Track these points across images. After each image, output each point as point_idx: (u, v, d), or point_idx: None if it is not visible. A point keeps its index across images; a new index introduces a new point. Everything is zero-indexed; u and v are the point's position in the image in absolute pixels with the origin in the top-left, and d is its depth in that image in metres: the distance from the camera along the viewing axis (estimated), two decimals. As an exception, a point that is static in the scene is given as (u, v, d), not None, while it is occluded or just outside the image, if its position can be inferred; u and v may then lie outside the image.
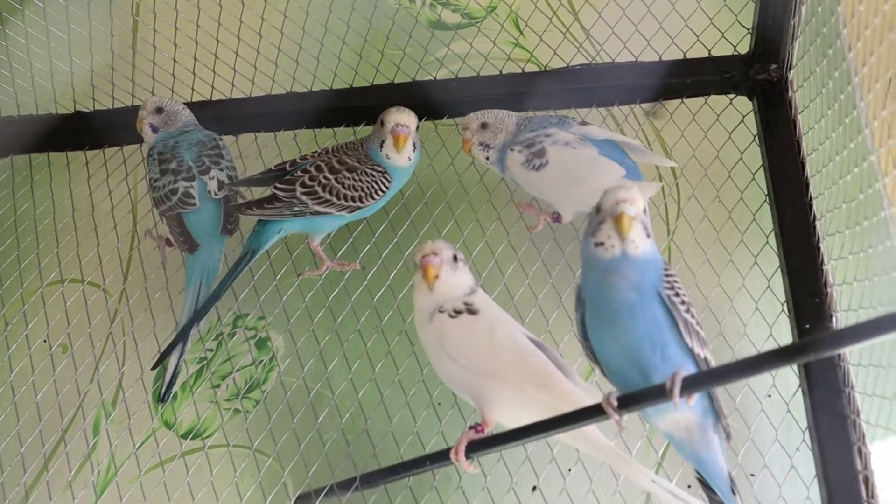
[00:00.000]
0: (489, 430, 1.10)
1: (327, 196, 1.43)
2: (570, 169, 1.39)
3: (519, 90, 1.61)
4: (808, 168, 1.41)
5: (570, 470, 1.29)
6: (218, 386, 1.51)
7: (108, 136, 1.74)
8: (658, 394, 0.93)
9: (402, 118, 1.43)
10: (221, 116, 1.69)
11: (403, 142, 1.43)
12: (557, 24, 1.68)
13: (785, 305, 1.34)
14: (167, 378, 1.45)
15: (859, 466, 1.16)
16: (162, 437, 1.46)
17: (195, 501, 1.36)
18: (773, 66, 1.50)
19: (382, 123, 1.44)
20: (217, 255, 1.49)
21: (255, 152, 1.70)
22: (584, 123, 1.45)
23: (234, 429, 1.45)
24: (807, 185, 1.39)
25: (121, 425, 1.48)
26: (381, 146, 1.44)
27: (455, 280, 1.16)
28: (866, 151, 1.24)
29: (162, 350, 1.44)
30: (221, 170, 1.51)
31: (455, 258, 1.17)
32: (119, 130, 1.70)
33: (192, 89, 1.72)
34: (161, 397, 1.46)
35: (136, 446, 1.45)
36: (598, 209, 1.02)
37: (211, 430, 1.47)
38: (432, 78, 1.67)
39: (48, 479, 1.44)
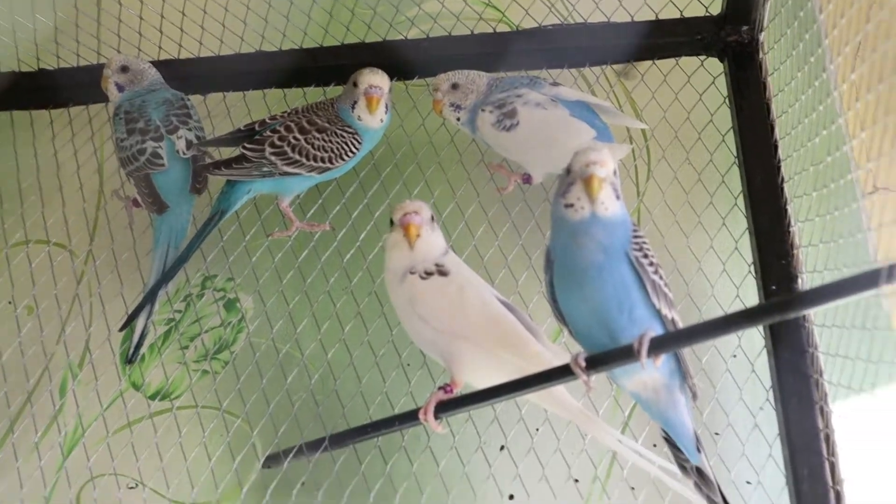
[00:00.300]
0: (458, 391, 1.11)
1: (297, 157, 1.41)
2: (541, 130, 1.39)
3: (490, 50, 1.60)
4: (777, 130, 1.41)
5: (537, 430, 1.30)
6: (186, 347, 1.50)
7: (73, 94, 1.71)
8: (626, 355, 0.93)
9: (376, 79, 1.42)
10: (189, 75, 1.67)
11: (376, 103, 1.41)
12: (529, -16, 1.66)
13: (752, 267, 1.35)
14: (135, 339, 1.44)
15: (821, 425, 1.18)
16: (130, 398, 1.46)
17: (163, 462, 1.36)
18: (745, 28, 1.50)
19: (355, 84, 1.42)
20: (185, 215, 1.47)
21: (223, 112, 1.68)
22: (555, 84, 1.44)
23: (202, 390, 1.44)
24: (775, 148, 1.40)
25: (88, 387, 1.46)
26: (353, 107, 1.43)
27: (432, 241, 1.16)
28: (834, 114, 1.24)
29: (130, 311, 1.43)
30: (190, 129, 1.49)
31: (432, 218, 1.17)
32: (84, 89, 1.67)
33: (160, 47, 1.69)
34: (129, 358, 1.45)
35: (104, 407, 1.44)
36: (568, 171, 1.01)
37: (179, 392, 1.46)
38: (403, 37, 1.66)
39: (14, 441, 1.43)
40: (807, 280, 1.28)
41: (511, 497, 1.31)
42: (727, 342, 1.31)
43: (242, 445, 1.36)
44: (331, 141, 1.42)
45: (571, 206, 0.99)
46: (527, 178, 1.45)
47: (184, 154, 1.47)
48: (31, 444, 1.42)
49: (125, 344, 1.49)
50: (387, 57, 1.62)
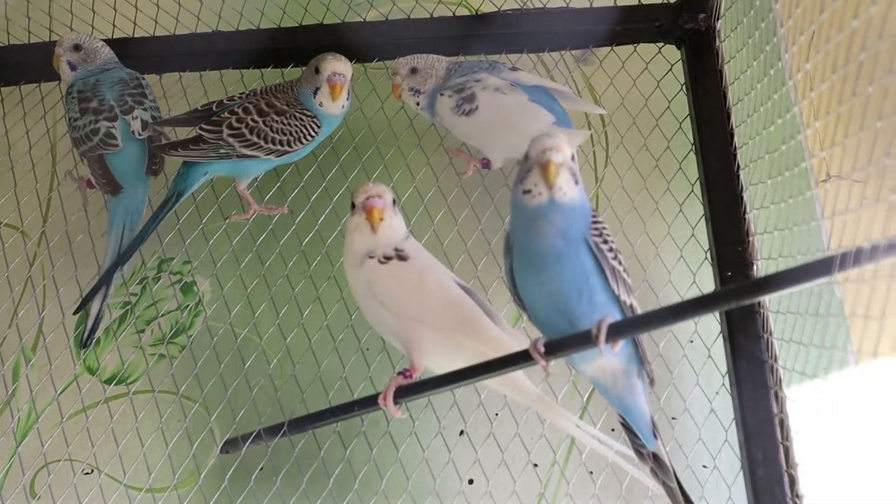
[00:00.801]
0: (417, 376, 1.11)
1: (255, 139, 1.40)
2: (500, 115, 1.39)
3: (450, 34, 1.60)
4: (733, 118, 1.43)
5: (496, 415, 1.31)
6: (142, 331, 1.49)
7: (24, 72, 1.68)
8: (584, 340, 0.94)
9: (340, 67, 1.40)
10: (144, 55, 1.64)
11: (339, 91, 1.40)
12: (490, -32, 1.66)
13: (708, 253, 1.37)
14: (90, 323, 1.42)
15: (775, 410, 1.20)
16: (85, 382, 1.44)
17: (120, 448, 1.35)
18: (702, 16, 1.51)
19: (317, 70, 1.40)
20: (141, 197, 1.46)
21: (179, 93, 1.65)
22: (514, 69, 1.44)
23: (159, 374, 1.43)
24: (732, 135, 1.42)
25: (41, 371, 1.44)
26: (315, 93, 1.41)
27: (394, 225, 1.15)
28: (789, 103, 1.26)
29: (84, 294, 1.41)
30: (145, 110, 1.47)
31: (394, 202, 1.16)
32: (36, 67, 1.64)
33: (114, 25, 1.66)
34: (83, 342, 1.43)
35: (58, 392, 1.43)
36: (526, 157, 1.02)
37: (136, 376, 1.45)
38: (362, 20, 1.65)
39: (-34, 426, 1.41)
40: (762, 267, 1.30)
41: (471, 482, 1.32)
42: (684, 328, 1.33)
43: (200, 430, 1.35)
44: (290, 124, 1.41)
45: (529, 192, 0.99)
46: (486, 163, 1.45)
47: (139, 135, 1.45)
48: (-17, 430, 1.40)
49: (80, 328, 1.47)
50: (345, 39, 1.61)
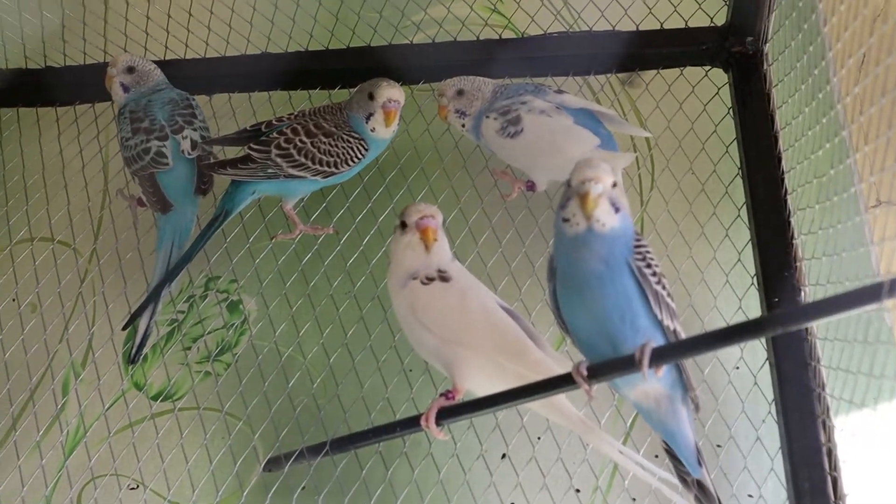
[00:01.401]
0: (459, 398, 1.11)
1: (302, 160, 1.42)
2: (545, 137, 1.39)
3: (496, 56, 1.60)
4: (780, 142, 1.42)
5: (539, 438, 1.30)
6: (189, 348, 1.51)
7: (79, 92, 1.72)
8: (627, 364, 0.93)
9: (395, 94, 1.41)
10: (195, 76, 1.67)
11: (393, 117, 1.42)
12: (536, -9, 1.67)
13: (755, 279, 1.35)
14: (138, 339, 1.44)
15: (823, 439, 1.18)
16: (132, 398, 1.46)
17: (164, 463, 1.37)
18: (749, 39, 1.50)
19: (371, 97, 1.41)
20: (190, 215, 1.48)
21: (228, 113, 1.68)
22: (559, 92, 1.44)
23: (204, 391, 1.45)
24: (779, 160, 1.40)
25: (90, 386, 1.47)
26: (368, 119, 1.42)
27: (445, 245, 1.16)
28: (838, 127, 1.25)
29: (133, 311, 1.43)
30: (195, 129, 1.49)
31: (444, 223, 1.17)
32: (90, 87, 1.67)
33: (166, 47, 1.70)
34: (131, 358, 1.45)
35: (106, 407, 1.45)
36: (568, 183, 1.02)
37: (181, 393, 1.47)
38: (409, 42, 1.66)
39: (16, 440, 1.43)
40: (809, 293, 1.29)
41: (512, 505, 1.31)
42: (730, 354, 1.32)
43: (244, 448, 1.36)
44: (337, 146, 1.42)
45: (568, 220, 0.99)
46: (531, 186, 1.45)
47: (189, 154, 1.47)
48: (33, 443, 1.43)
49: (128, 344, 1.50)
50: (392, 62, 1.62)
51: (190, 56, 1.69)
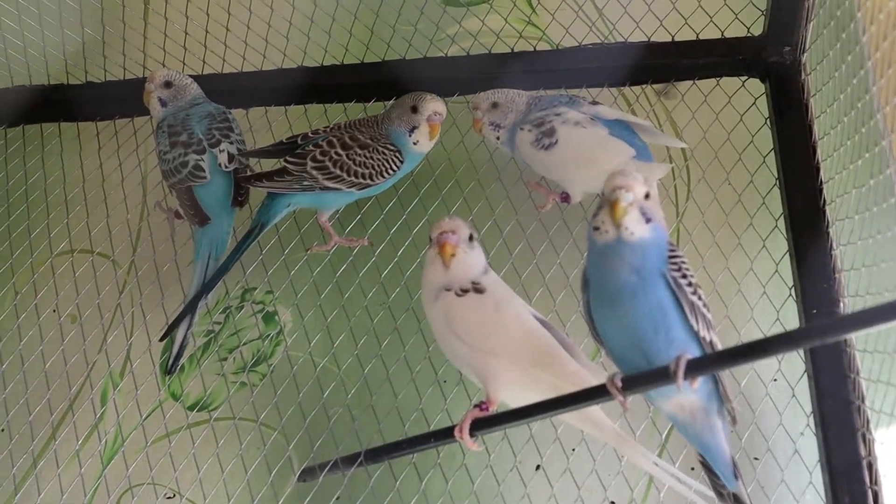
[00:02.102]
0: (494, 409, 1.11)
1: (338, 172, 1.42)
2: (580, 149, 1.39)
3: (531, 68, 1.61)
4: (819, 152, 1.40)
5: (573, 450, 1.30)
6: (225, 359, 1.52)
7: (118, 107, 1.74)
8: (662, 376, 0.93)
9: (439, 107, 1.44)
10: (232, 90, 1.69)
11: (437, 131, 1.44)
12: (570, 3, 1.66)
13: (792, 290, 1.34)
14: (175, 350, 1.46)
15: (863, 452, 1.16)
16: (168, 408, 1.48)
17: (200, 473, 1.38)
18: (787, 49, 1.49)
19: (416, 110, 1.43)
20: (226, 228, 1.49)
21: (265, 126, 1.70)
22: (594, 103, 1.44)
23: (240, 402, 1.46)
24: (817, 170, 1.39)
25: (128, 396, 1.49)
26: (412, 132, 1.44)
27: (470, 260, 1.14)
28: (878, 136, 1.23)
29: (170, 322, 1.45)
30: (231, 143, 1.50)
31: (471, 238, 1.16)
32: (130, 102, 1.68)
33: (203, 62, 1.71)
34: (168, 369, 1.47)
35: (143, 417, 1.46)
36: (602, 192, 1.01)
37: (217, 403, 1.48)
38: (443, 55, 1.67)
39: (56, 448, 1.46)
40: (848, 304, 1.27)
41: (546, 517, 1.31)
42: (767, 366, 1.30)
43: (278, 458, 1.37)
44: (372, 158, 1.43)
45: (598, 229, 0.98)
46: (565, 197, 1.45)
47: (226, 167, 1.48)
48: (73, 452, 1.45)
49: (165, 354, 1.51)
50: (427, 74, 1.63)
51: (227, 70, 1.71)
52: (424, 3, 1.72)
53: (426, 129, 1.44)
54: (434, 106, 1.43)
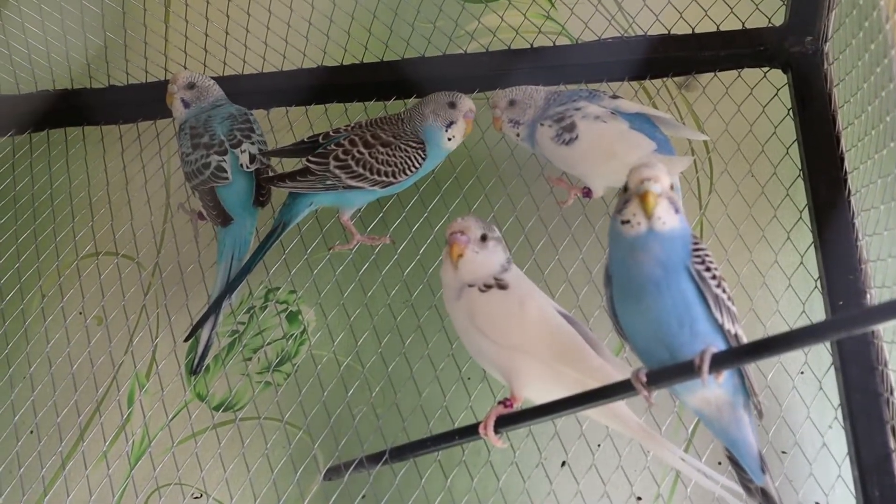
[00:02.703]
0: (518, 405, 1.10)
1: (360, 170, 1.43)
2: (600, 143, 1.38)
3: (550, 63, 1.60)
4: (843, 142, 1.39)
5: (599, 446, 1.29)
6: (249, 359, 1.53)
7: (141, 110, 1.76)
8: (687, 370, 0.92)
9: (473, 105, 1.48)
10: (252, 91, 1.70)
11: (471, 128, 1.48)
12: (590, -3, 1.66)
13: (818, 282, 1.33)
14: (200, 350, 1.47)
15: (892, 444, 1.15)
16: (194, 408, 1.49)
17: (227, 472, 1.38)
18: (809, 39, 1.48)
19: (453, 105, 1.46)
20: (249, 228, 1.50)
21: (285, 126, 1.70)
22: (614, 97, 1.44)
23: (265, 401, 1.46)
24: (842, 160, 1.38)
25: (154, 397, 1.50)
26: (449, 126, 1.46)
27: (482, 259, 1.13)
28: (903, 126, 1.22)
29: (195, 322, 1.46)
30: (253, 143, 1.51)
31: (484, 237, 1.15)
32: (152, 104, 1.70)
33: (224, 63, 1.72)
34: (194, 369, 1.48)
35: (169, 418, 1.47)
36: (625, 188, 1.01)
37: (242, 403, 1.49)
38: (463, 52, 1.67)
39: (84, 450, 1.47)
40: (875, 295, 1.26)
41: (572, 513, 1.30)
42: (793, 359, 1.29)
43: (304, 457, 1.37)
44: (395, 155, 1.43)
45: (628, 222, 0.98)
46: (587, 192, 1.44)
47: (247, 168, 1.49)
48: (100, 453, 1.46)
49: (190, 355, 1.52)
50: (447, 71, 1.63)
51: (248, 72, 1.72)
52: (443, 0, 1.72)
53: (462, 125, 1.46)
54: (470, 104, 1.47)
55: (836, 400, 1.24)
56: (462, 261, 1.12)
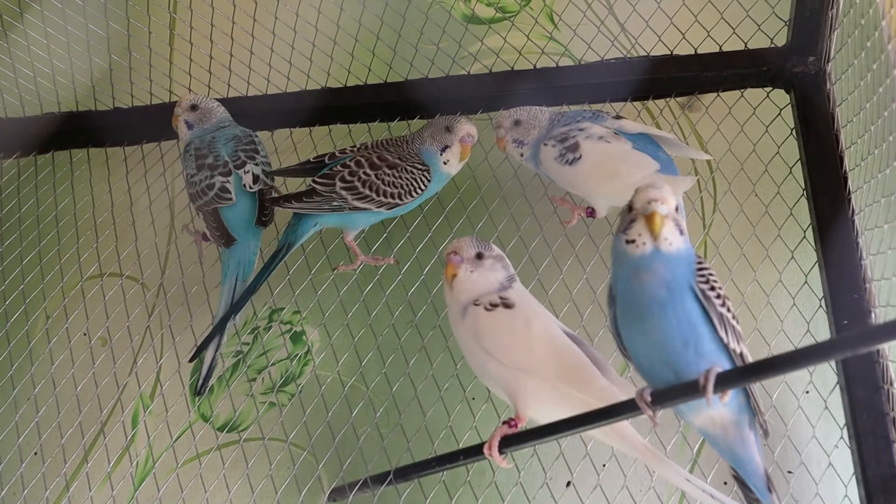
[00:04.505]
0: (523, 426, 1.10)
1: (367, 192, 1.43)
2: (604, 163, 1.38)
3: (553, 84, 1.61)
4: (846, 162, 1.39)
5: (604, 465, 1.29)
6: (254, 379, 1.52)
7: (146, 132, 1.76)
8: (691, 390, 0.92)
9: (473, 130, 1.47)
10: (257, 112, 1.70)
11: (468, 153, 1.47)
12: (592, 18, 1.67)
13: (823, 301, 1.32)
14: (204, 371, 1.46)
15: (899, 464, 1.15)
16: (199, 429, 1.48)
17: (231, 493, 1.38)
18: (811, 59, 1.48)
19: (449, 129, 1.46)
20: (253, 248, 1.50)
21: (290, 147, 1.71)
22: (618, 117, 1.44)
23: (269, 422, 1.46)
24: (845, 179, 1.38)
25: (158, 418, 1.50)
26: (443, 151, 1.46)
27: (477, 278, 1.16)
28: (906, 144, 1.22)
29: (199, 343, 1.46)
30: (257, 164, 1.51)
31: (480, 255, 1.16)
32: (157, 126, 1.71)
33: (228, 85, 1.73)
34: (198, 390, 1.47)
35: (174, 439, 1.47)
36: (629, 207, 1.01)
37: (247, 423, 1.48)
38: (466, 73, 1.67)
39: (88, 471, 1.47)
40: (880, 314, 1.26)
41: (577, 534, 1.30)
42: (799, 378, 1.29)
43: (308, 478, 1.37)
44: (401, 177, 1.43)
45: (633, 241, 0.98)
46: (591, 212, 1.45)
47: (250, 188, 1.49)
48: (104, 474, 1.46)
49: (194, 376, 1.52)
50: (450, 92, 1.64)
51: (252, 93, 1.73)
52: (446, 21, 1.73)
53: (458, 150, 1.46)
54: (468, 128, 1.46)
55: (841, 419, 1.24)
56: (456, 280, 1.14)
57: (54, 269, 1.65)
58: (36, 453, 1.49)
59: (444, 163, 1.46)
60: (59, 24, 1.73)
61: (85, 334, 1.60)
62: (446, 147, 1.45)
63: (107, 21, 1.71)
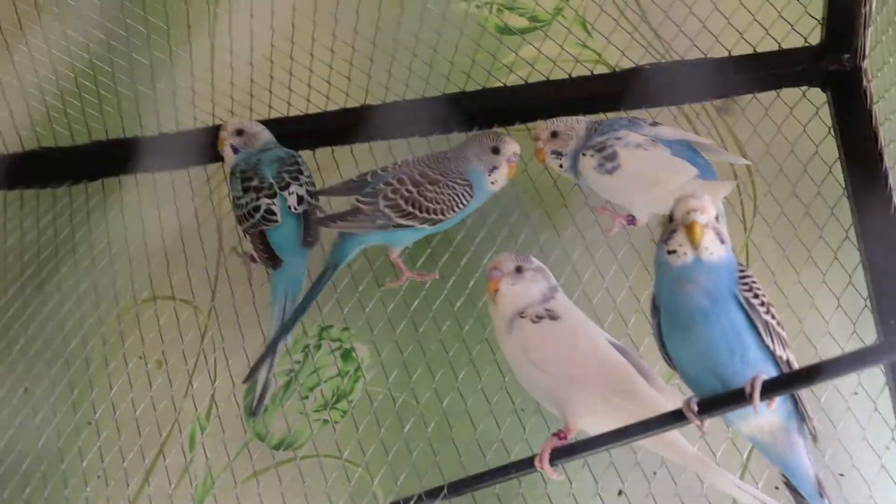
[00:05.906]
0: (572, 437, 1.12)
1: (410, 209, 1.45)
2: (643, 171, 1.39)
3: (589, 92, 1.62)
4: (886, 159, 1.38)
5: (654, 474, 1.29)
6: (306, 397, 1.55)
7: (192, 155, 1.78)
8: (738, 398, 0.93)
9: (518, 148, 1.48)
10: (298, 132, 1.73)
11: (514, 171, 1.49)
12: (624, 25, 1.67)
13: (868, 301, 1.32)
14: (258, 391, 1.48)
15: (950, 464, 1.15)
16: (255, 449, 1.51)
17: (289, 512, 1.41)
18: (846, 56, 1.47)
19: (496, 151, 1.47)
20: (300, 268, 1.52)
21: (332, 166, 1.73)
22: (654, 124, 1.45)
23: (323, 439, 1.49)
24: (886, 177, 1.37)
25: (215, 438, 1.53)
26: (492, 171, 1.48)
27: (519, 290, 1.19)
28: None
29: (252, 364, 1.48)
30: (301, 185, 1.54)
31: (519, 269, 1.19)
32: (202, 150, 1.74)
33: (270, 107, 1.76)
34: (253, 411, 1.50)
35: (231, 459, 1.50)
36: (670, 217, 1.02)
37: (301, 441, 1.51)
38: (502, 84, 1.69)
39: (150, 493, 1.50)
40: (927, 314, 1.25)
41: (631, 543, 1.31)
42: (847, 379, 1.28)
43: (364, 494, 1.40)
44: (443, 193, 1.45)
45: (674, 252, 0.99)
46: (631, 220, 1.45)
47: (295, 209, 1.52)
48: (166, 496, 1.49)
49: (249, 396, 1.55)
50: (487, 104, 1.65)
51: (293, 114, 1.75)
52: (480, 35, 1.74)
53: (506, 170, 1.48)
54: (514, 147, 1.48)
55: (891, 420, 1.24)
56: (498, 294, 1.16)
57: (110, 295, 1.69)
58: (99, 476, 1.53)
59: (492, 183, 1.48)
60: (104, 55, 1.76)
61: (141, 357, 1.63)
62: (495, 168, 1.48)
63: (150, 50, 1.74)
